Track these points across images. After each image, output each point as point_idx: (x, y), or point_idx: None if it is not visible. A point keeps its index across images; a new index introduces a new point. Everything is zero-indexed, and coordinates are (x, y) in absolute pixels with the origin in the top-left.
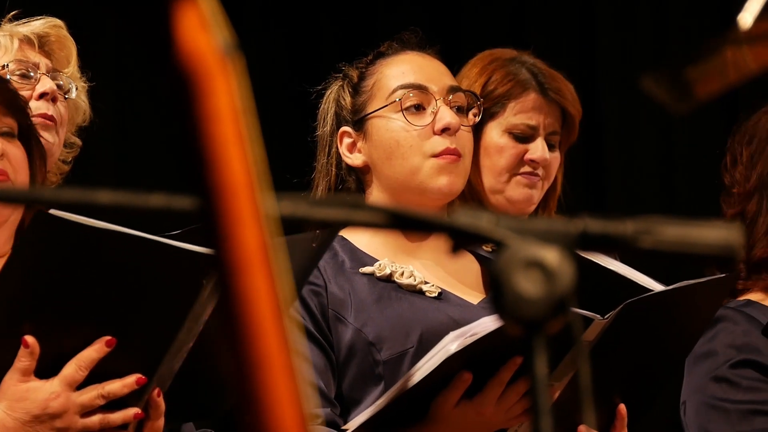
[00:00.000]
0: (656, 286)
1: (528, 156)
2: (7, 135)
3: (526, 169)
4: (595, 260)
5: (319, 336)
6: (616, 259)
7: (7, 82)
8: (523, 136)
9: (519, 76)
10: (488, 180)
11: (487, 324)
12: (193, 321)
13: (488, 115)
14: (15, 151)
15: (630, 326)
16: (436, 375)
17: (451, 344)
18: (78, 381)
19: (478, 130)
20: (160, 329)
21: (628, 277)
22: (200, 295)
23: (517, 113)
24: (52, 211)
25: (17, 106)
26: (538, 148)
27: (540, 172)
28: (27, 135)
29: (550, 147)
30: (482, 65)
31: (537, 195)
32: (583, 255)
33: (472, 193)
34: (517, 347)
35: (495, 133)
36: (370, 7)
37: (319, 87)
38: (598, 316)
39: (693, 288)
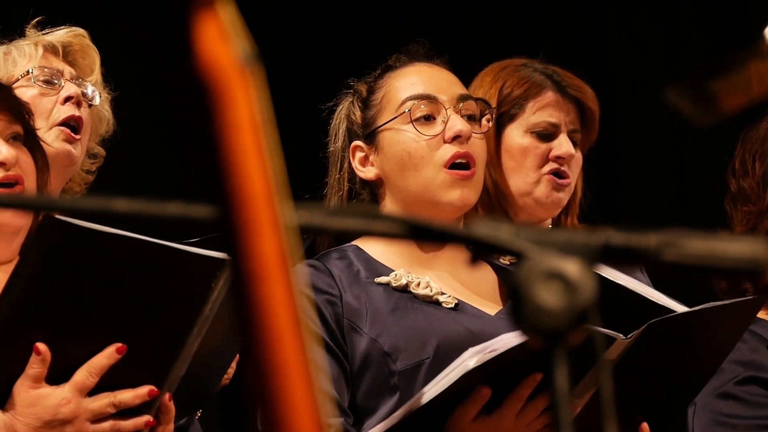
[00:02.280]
0: (676, 307)
1: (554, 153)
2: (18, 140)
3: (553, 166)
4: (612, 279)
5: (334, 345)
6: (642, 272)
7: (11, 88)
8: (545, 134)
9: (534, 78)
10: (515, 183)
11: (507, 340)
12: (202, 325)
13: (507, 118)
14: (24, 157)
15: (653, 346)
16: (453, 389)
17: (469, 360)
18: (89, 387)
19: (497, 135)
20: (171, 335)
21: (647, 296)
22: (209, 299)
23: (537, 111)
24: (59, 216)
25: (22, 112)
26: (562, 144)
27: (566, 169)
28: (32, 141)
29: (573, 145)
30: (494, 74)
31: (565, 198)
32: (601, 274)
33: (500, 199)
34: (537, 363)
35: (516, 135)
36: (376, 22)
37: (330, 104)
38: (621, 335)
39: (717, 310)
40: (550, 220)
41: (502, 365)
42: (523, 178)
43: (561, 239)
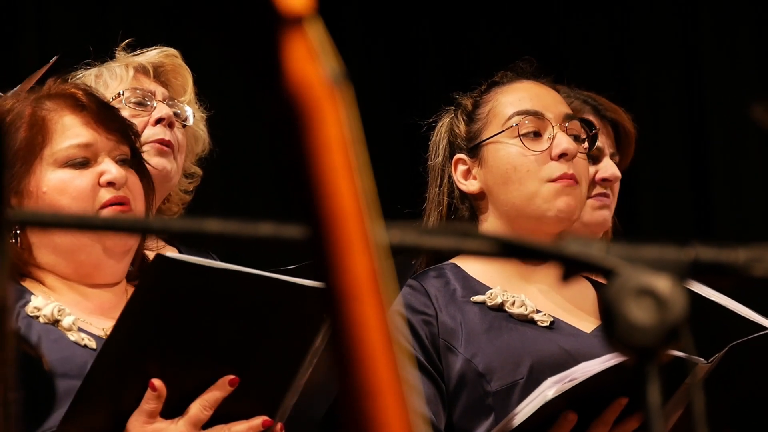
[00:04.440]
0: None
1: (600, 175)
2: (126, 163)
3: (599, 189)
4: (705, 295)
5: (429, 366)
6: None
7: (118, 109)
8: (591, 157)
9: (573, 104)
10: None
11: (587, 368)
12: (313, 355)
13: None
14: (132, 178)
15: (736, 367)
16: (538, 416)
17: (548, 390)
18: (203, 421)
19: None
20: (283, 366)
21: (740, 313)
22: (320, 330)
23: None
24: (171, 254)
25: (130, 134)
26: (609, 167)
27: (608, 192)
28: (139, 162)
29: None
30: None
31: (609, 217)
32: (692, 289)
33: None
34: (622, 387)
35: None
36: (474, 39)
37: (430, 120)
38: (702, 359)
39: None
40: None
41: (587, 391)
42: None
43: (651, 255)
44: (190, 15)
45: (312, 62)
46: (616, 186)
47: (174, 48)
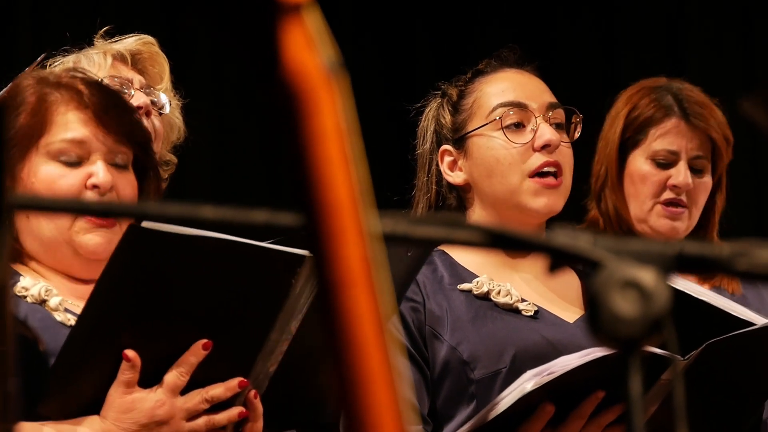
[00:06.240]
0: (758, 319)
1: (670, 182)
2: (120, 167)
3: (669, 195)
4: (689, 292)
5: (415, 352)
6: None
7: (133, 111)
8: (665, 163)
9: (661, 102)
10: (633, 208)
11: (566, 362)
12: (284, 320)
13: (632, 144)
14: (124, 182)
15: (714, 365)
16: (516, 408)
17: (527, 383)
18: (180, 387)
19: (622, 160)
20: (252, 329)
21: (725, 309)
22: (290, 294)
23: (659, 138)
24: (144, 224)
25: (135, 137)
26: (680, 173)
27: (684, 198)
28: (144, 165)
29: (697, 172)
30: (630, 94)
31: (683, 226)
32: (676, 287)
33: (621, 222)
34: (599, 381)
35: (639, 161)
36: (465, 25)
37: (418, 105)
38: (679, 356)
39: None
40: None
41: (565, 384)
42: (640, 205)
43: (637, 248)
44: (187, 2)
45: (309, 51)
46: (698, 190)
47: (156, 34)
